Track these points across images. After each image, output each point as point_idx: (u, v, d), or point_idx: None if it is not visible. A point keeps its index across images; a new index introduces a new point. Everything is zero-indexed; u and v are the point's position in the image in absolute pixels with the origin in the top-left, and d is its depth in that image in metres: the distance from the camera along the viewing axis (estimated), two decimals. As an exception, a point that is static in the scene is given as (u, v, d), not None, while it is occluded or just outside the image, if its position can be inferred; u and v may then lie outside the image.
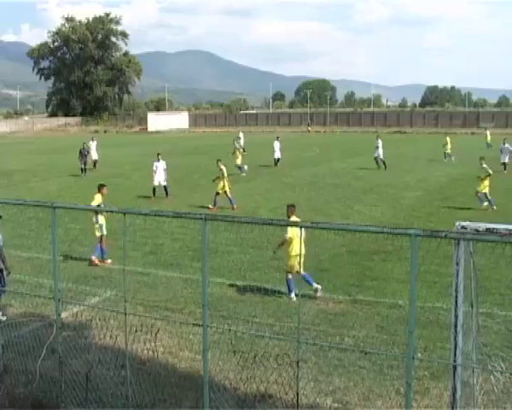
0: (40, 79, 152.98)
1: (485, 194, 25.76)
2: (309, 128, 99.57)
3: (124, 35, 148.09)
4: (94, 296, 13.98)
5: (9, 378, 9.48)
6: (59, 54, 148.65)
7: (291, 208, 14.70)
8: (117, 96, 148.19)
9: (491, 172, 26.02)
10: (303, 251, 13.36)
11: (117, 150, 60.63)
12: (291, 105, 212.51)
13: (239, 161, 40.00)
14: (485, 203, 25.53)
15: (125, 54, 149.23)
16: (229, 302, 13.40)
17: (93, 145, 45.72)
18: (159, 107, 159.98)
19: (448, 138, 48.65)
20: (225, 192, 26.88)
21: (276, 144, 45.07)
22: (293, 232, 13.84)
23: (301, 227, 6.29)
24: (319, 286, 14.15)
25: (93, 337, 11.09)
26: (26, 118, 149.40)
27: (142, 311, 12.15)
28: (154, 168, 29.89)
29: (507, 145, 40.26)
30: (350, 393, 9.31)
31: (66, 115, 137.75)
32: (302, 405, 8.41)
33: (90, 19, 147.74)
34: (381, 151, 42.66)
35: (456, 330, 6.36)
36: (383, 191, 30.74)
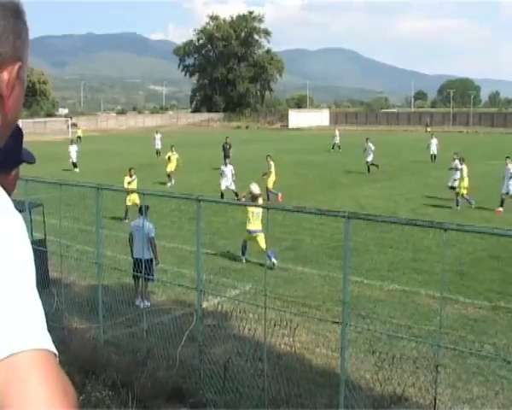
0: (185, 75, 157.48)
1: (456, 193, 26.61)
2: (427, 129, 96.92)
3: (266, 33, 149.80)
4: (234, 289, 14.27)
5: (152, 362, 9.85)
6: (203, 51, 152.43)
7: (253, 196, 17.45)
8: (259, 93, 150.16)
9: (464, 175, 26.90)
10: (259, 228, 16.67)
11: (257, 146, 61.49)
12: (433, 104, 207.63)
13: (169, 169, 35.20)
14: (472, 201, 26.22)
15: (268, 51, 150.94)
16: (367, 302, 13.31)
17: (158, 137, 51.31)
18: (299, 104, 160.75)
19: None
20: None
21: (434, 141, 46.33)
22: (248, 210, 16.87)
23: (446, 230, 6.16)
24: (275, 262, 15.81)
25: (232, 329, 11.32)
26: (171, 113, 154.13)
27: (280, 306, 12.27)
28: (221, 173, 29.41)
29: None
30: (489, 403, 9.02)
31: (209, 111, 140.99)
32: (439, 410, 8.25)
33: (234, 17, 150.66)
34: (371, 155, 40.14)
35: None
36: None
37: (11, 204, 1.29)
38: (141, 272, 11.90)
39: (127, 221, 21.85)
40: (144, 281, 12.83)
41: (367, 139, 41.11)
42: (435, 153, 45.36)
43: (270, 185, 29.05)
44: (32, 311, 1.17)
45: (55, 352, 1.16)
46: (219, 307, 11.85)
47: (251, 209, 16.83)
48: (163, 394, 8.91)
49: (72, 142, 44.36)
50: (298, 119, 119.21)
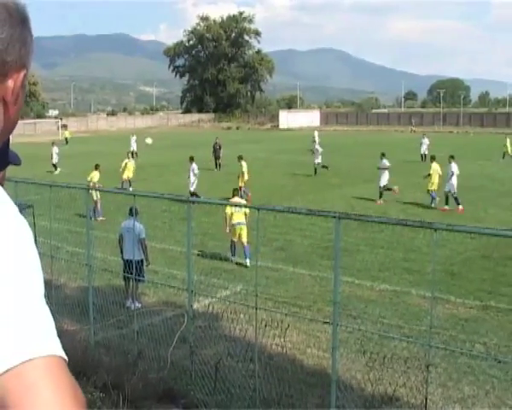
0: (175, 76, 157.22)
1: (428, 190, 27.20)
2: (413, 128, 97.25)
3: (256, 33, 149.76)
4: (225, 290, 14.27)
5: (143, 363, 9.84)
6: (193, 52, 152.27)
7: (234, 191, 19.17)
8: (249, 94, 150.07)
9: (430, 172, 27.78)
10: (243, 221, 17.32)
11: (247, 146, 61.48)
12: (423, 105, 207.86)
13: (126, 176, 32.33)
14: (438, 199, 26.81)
15: (258, 52, 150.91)
16: (358, 302, 13.33)
17: (133, 139, 53.12)
18: (290, 104, 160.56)
19: (508, 139, 47.93)
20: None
21: (426, 140, 47.62)
22: (231, 208, 17.35)
23: (436, 230, 6.17)
24: (248, 263, 16.75)
25: (223, 330, 11.31)
26: (161, 114, 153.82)
27: (271, 306, 12.26)
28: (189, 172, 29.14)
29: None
30: (479, 402, 9.04)
31: (199, 112, 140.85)
32: (430, 410, 8.27)
33: (224, 18, 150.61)
34: (320, 157, 38.82)
35: None
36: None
37: (16, 209, 1.29)
38: (131, 274, 11.89)
39: (100, 218, 22.91)
40: (135, 282, 12.82)
41: (313, 141, 40.55)
42: (426, 153, 45.92)
43: (242, 184, 29.37)
44: (41, 317, 1.18)
45: (65, 357, 1.17)
46: (210, 307, 11.83)
47: (233, 207, 17.51)
48: (154, 395, 8.91)
49: (53, 143, 44.12)
50: (288, 119, 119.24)
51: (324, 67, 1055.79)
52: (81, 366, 9.43)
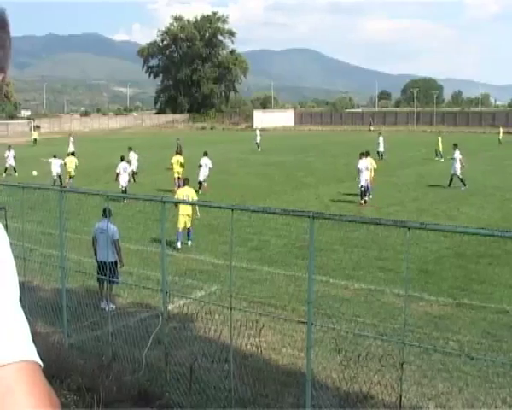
0: (149, 76, 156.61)
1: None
2: (371, 127, 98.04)
3: (231, 33, 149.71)
4: (200, 290, 14.23)
5: (117, 366, 9.78)
6: (167, 52, 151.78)
7: (184, 180, 20.87)
8: (223, 94, 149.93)
9: (375, 166, 29.40)
10: (189, 211, 18.71)
11: (223, 147, 61.40)
12: (397, 104, 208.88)
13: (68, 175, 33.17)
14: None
15: (232, 52, 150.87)
16: (333, 301, 13.35)
17: (71, 140, 55.08)
18: (264, 104, 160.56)
19: (440, 138, 48.81)
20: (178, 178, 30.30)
21: (381, 139, 48.51)
22: (179, 195, 19.23)
23: (409, 228, 6.21)
24: (189, 244, 18.96)
25: (198, 330, 11.29)
26: (135, 114, 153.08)
27: (246, 306, 12.24)
28: (118, 170, 28.89)
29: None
30: (453, 399, 9.10)
31: (173, 112, 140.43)
32: (404, 408, 8.30)
33: (198, 18, 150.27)
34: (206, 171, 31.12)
35: None
36: (490, 193, 29.82)
37: None
38: (105, 275, 11.81)
39: None
40: (109, 284, 12.74)
41: (130, 148, 37.75)
42: (382, 151, 46.96)
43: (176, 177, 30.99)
44: (17, 323, 1.17)
45: (40, 363, 1.16)
46: (185, 308, 11.80)
47: (181, 194, 19.14)
48: (129, 397, 8.86)
49: (9, 147, 43.80)
50: (263, 119, 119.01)
51: (298, 67, 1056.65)
52: (55, 368, 9.35)
